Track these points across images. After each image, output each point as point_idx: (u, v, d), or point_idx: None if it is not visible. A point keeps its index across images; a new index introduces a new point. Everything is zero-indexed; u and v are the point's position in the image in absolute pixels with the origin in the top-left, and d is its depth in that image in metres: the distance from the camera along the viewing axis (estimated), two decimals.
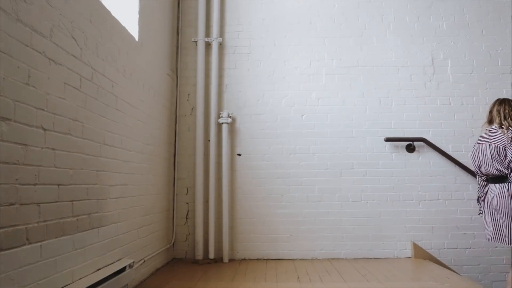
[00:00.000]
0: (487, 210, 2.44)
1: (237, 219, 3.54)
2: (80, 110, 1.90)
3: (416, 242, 3.46)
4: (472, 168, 2.60)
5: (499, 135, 2.34)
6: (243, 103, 3.70)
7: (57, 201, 1.68)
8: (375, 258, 3.43)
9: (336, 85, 3.71)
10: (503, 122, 2.37)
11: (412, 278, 2.74)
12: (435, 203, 3.51)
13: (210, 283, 2.66)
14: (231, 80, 3.75)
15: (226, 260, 3.38)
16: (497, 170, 2.32)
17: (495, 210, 2.34)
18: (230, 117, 3.61)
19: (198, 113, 3.59)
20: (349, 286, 2.55)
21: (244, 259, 3.47)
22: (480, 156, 2.43)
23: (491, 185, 2.40)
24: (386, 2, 3.84)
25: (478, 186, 2.56)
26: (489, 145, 2.37)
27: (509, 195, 2.25)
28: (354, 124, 3.65)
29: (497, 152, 2.31)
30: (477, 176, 2.56)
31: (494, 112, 2.45)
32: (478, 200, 2.61)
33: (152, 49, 3.09)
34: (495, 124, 2.42)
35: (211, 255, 3.39)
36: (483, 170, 2.43)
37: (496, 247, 3.41)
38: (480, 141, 2.48)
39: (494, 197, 2.34)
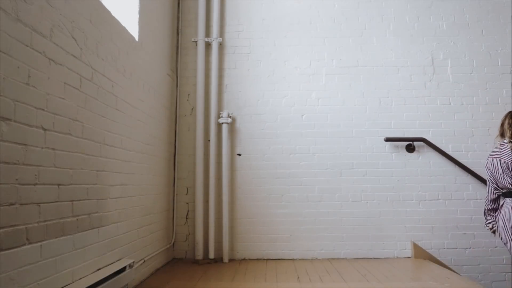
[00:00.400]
0: (500, 223, 2.42)
1: (237, 219, 3.54)
2: (80, 110, 1.90)
3: (416, 242, 3.46)
4: (487, 178, 2.58)
5: (508, 150, 2.34)
6: (243, 103, 3.70)
7: (57, 201, 1.68)
8: (375, 258, 3.43)
9: (336, 85, 3.71)
10: None
11: (412, 278, 2.74)
12: (435, 203, 3.51)
13: (210, 283, 2.66)
14: (231, 80, 3.75)
15: (226, 260, 3.38)
16: (510, 184, 2.34)
17: (509, 224, 2.35)
18: (230, 117, 3.61)
19: (198, 113, 3.59)
20: (349, 286, 2.55)
21: (244, 259, 3.47)
22: (493, 170, 2.44)
23: (507, 199, 2.40)
24: (386, 2, 3.84)
25: (487, 199, 2.52)
26: (499, 160, 2.38)
27: None
28: (354, 124, 3.65)
29: (507, 167, 2.33)
30: (488, 187, 2.52)
31: (506, 125, 2.43)
32: (485, 212, 2.56)
33: (152, 49, 3.09)
34: (506, 138, 2.41)
35: (211, 255, 3.39)
36: (499, 184, 2.43)
37: (496, 247, 3.41)
38: (492, 155, 2.48)
39: (509, 210, 2.35)
